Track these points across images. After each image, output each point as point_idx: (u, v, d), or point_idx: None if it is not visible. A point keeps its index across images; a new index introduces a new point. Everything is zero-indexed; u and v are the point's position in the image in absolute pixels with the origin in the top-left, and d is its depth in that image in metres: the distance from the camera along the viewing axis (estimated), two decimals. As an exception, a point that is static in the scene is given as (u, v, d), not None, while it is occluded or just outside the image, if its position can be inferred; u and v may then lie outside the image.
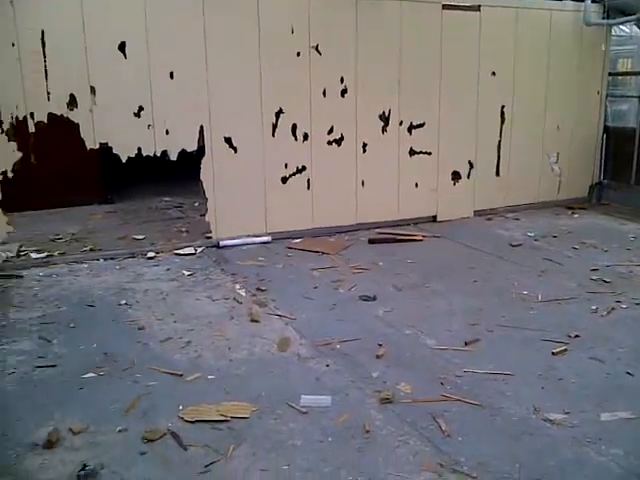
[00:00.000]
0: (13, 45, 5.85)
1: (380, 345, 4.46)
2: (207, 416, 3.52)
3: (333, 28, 7.12)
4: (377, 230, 7.53)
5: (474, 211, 8.41)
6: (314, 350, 4.41)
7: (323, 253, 6.71)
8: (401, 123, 7.72)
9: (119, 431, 3.37)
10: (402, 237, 7.32)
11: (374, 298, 5.40)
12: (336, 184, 7.47)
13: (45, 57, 5.98)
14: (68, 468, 3.03)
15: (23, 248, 6.56)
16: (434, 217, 8.15)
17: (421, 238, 7.34)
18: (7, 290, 5.54)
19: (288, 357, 4.32)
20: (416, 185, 7.95)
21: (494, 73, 8.15)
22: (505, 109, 8.37)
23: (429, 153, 7.97)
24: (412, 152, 7.86)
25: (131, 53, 6.23)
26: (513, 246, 7.04)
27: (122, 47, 6.20)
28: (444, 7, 7.70)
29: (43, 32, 5.94)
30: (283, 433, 3.38)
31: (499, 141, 8.43)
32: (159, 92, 6.40)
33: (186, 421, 3.47)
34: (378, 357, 4.30)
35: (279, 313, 5.07)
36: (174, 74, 6.45)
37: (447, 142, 8.00)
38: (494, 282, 5.83)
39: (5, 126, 5.93)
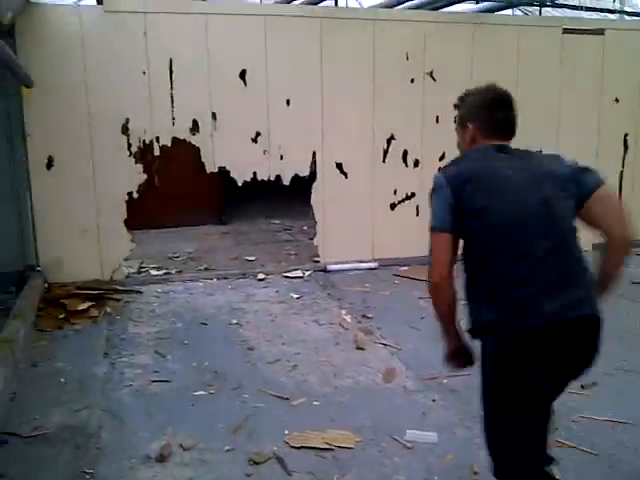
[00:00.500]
0: (144, 73, 6.24)
1: (489, 382, 4.31)
2: (312, 443, 3.53)
3: (449, 54, 7.07)
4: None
5: (592, 244, 7.96)
6: (420, 383, 4.33)
7: (430, 282, 6.60)
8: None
9: (226, 450, 3.44)
10: (513, 268, 7.07)
11: (483, 332, 5.22)
12: (446, 212, 7.34)
13: (172, 84, 6.33)
14: (178, 483, 3.14)
15: (144, 265, 6.94)
16: (548, 248, 7.82)
17: (534, 270, 7.05)
18: (127, 305, 5.87)
19: (393, 388, 4.27)
20: (529, 214, 7.67)
21: (617, 100, 7.77)
22: (628, 137, 7.94)
23: (545, 182, 7.68)
24: (526, 180, 7.60)
25: (251, 81, 6.48)
26: (635, 283, 6.62)
27: (242, 75, 6.46)
28: (565, 31, 7.45)
29: (171, 61, 6.30)
30: (387, 467, 3.33)
31: (621, 171, 7.99)
32: (275, 118, 6.60)
33: (291, 446, 3.50)
34: (487, 394, 4.15)
35: (385, 342, 5.03)
36: (290, 101, 6.63)
37: (565, 171, 7.68)
38: (615, 322, 5.42)
39: (133, 149, 6.31)
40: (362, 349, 4.89)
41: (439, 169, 2.44)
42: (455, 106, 2.65)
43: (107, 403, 3.97)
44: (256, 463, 3.33)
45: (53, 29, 5.97)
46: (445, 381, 4.34)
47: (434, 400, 4.08)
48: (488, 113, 2.50)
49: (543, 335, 2.22)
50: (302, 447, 3.49)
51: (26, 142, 6.01)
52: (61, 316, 5.41)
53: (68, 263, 6.24)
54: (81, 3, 6.21)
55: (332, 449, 3.48)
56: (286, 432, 3.63)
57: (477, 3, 8.01)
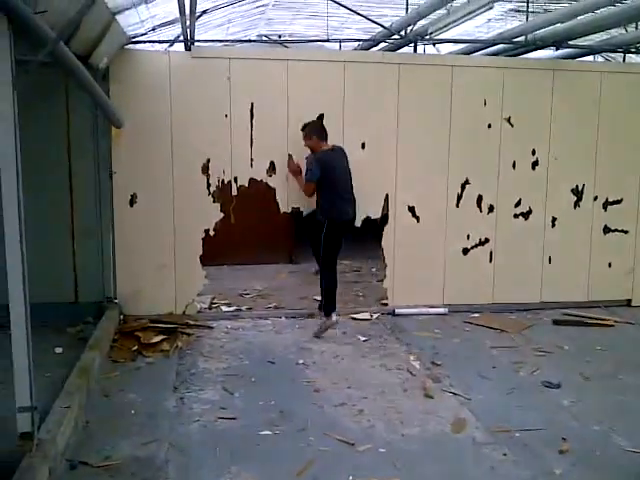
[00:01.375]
0: (226, 116, 6.46)
1: (564, 439, 4.12)
2: (376, 492, 3.47)
3: (527, 100, 6.98)
4: (563, 311, 7.07)
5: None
6: (490, 436, 4.18)
7: (502, 331, 6.42)
8: (596, 198, 7.28)
9: (290, 494, 3.43)
10: (591, 320, 6.80)
11: (558, 386, 5.03)
12: (521, 259, 7.18)
13: (252, 127, 6.52)
14: (241, 524, 3.13)
15: (215, 301, 7.07)
16: (628, 301, 7.47)
17: (612, 323, 6.76)
18: (198, 339, 5.98)
19: (462, 439, 4.14)
20: (609, 265, 7.38)
21: None
22: None
23: (626, 232, 7.40)
24: (607, 230, 7.35)
25: (328, 124, 6.57)
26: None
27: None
28: (651, 78, 7.24)
29: (252, 104, 6.50)
30: (453, 523, 3.22)
31: None
32: (350, 162, 6.65)
33: (355, 493, 3.45)
34: (561, 452, 3.97)
35: (454, 391, 4.90)
36: (365, 145, 6.71)
37: (648, 221, 7.40)
38: None
39: (212, 189, 6.51)
40: (430, 397, 4.78)
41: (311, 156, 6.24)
42: (303, 128, 6.25)
43: (175, 437, 4.03)
44: (318, 508, 3.29)
45: (144, 73, 6.28)
46: (517, 434, 4.19)
47: (505, 454, 3.93)
48: (320, 130, 6.22)
49: (348, 222, 6.21)
50: (366, 495, 3.43)
51: (112, 179, 6.31)
52: (134, 348, 5.56)
53: (144, 296, 6.44)
54: (170, 49, 6.51)
55: (396, 500, 3.40)
56: (350, 478, 3.58)
57: (557, 50, 7.92)
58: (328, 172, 6.03)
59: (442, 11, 6.52)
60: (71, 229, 6.30)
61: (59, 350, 5.41)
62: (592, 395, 4.89)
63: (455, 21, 7.10)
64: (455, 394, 4.86)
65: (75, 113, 6.17)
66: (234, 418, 4.34)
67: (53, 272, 6.19)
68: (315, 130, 6.21)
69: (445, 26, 7.27)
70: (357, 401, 4.67)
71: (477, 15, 7.42)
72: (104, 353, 5.32)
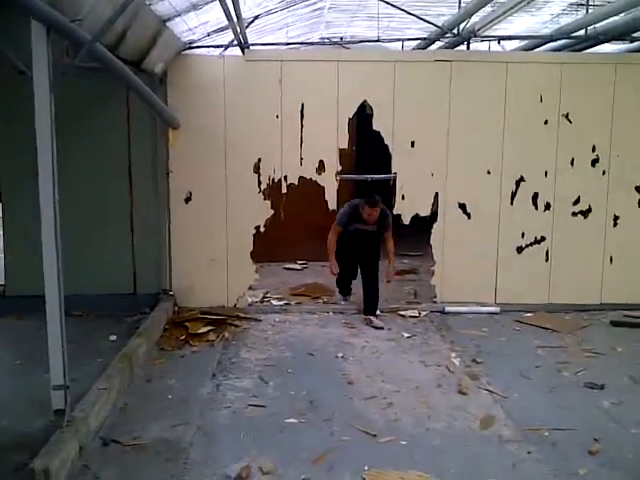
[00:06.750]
0: (277, 117, 6.64)
1: (596, 440, 3.99)
2: (388, 481, 3.50)
3: (586, 94, 6.74)
4: (624, 312, 6.77)
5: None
6: (519, 433, 4.11)
7: (554, 331, 6.23)
8: (663, 196, 6.94)
9: (302, 479, 3.51)
10: (653, 323, 6.49)
11: (601, 387, 4.86)
12: (579, 258, 6.94)
13: (302, 127, 6.67)
14: (249, 504, 3.26)
15: (267, 295, 7.26)
16: (696, 304, 7.07)
17: (677, 327, 6.42)
18: (245, 331, 6.17)
19: (488, 436, 4.10)
20: (677, 266, 7.01)
21: None
22: None
23: (694, 232, 7.01)
24: (674, 229, 6.99)
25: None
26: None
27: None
28: None
29: (303, 105, 6.65)
30: (461, 515, 3.21)
31: None
32: (399, 160, 6.70)
33: (367, 482, 3.50)
34: (591, 453, 3.86)
35: (490, 389, 4.84)
36: (415, 143, 6.70)
37: None
38: None
39: (263, 187, 6.71)
40: (464, 394, 4.74)
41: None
42: (374, 204, 6.34)
43: (203, 421, 4.21)
44: (327, 494, 3.37)
45: (199, 77, 6.57)
46: (546, 434, 4.10)
47: (529, 452, 3.87)
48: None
49: None
50: (377, 484, 3.47)
51: (169, 178, 6.62)
52: (182, 337, 5.82)
53: (198, 289, 6.72)
54: (225, 53, 6.74)
55: (407, 490, 3.42)
56: (365, 468, 3.63)
57: (631, 42, 7.54)
58: None
59: (489, 8, 6.38)
60: (131, 226, 6.65)
61: (113, 338, 5.72)
62: (637, 398, 4.69)
63: (505, 13, 6.86)
64: (491, 392, 4.79)
65: (135, 116, 6.51)
66: (264, 406, 4.47)
67: (113, 266, 6.61)
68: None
69: (492, 21, 7.05)
70: (388, 395, 4.70)
71: (527, 10, 7.18)
72: (153, 341, 5.59)
